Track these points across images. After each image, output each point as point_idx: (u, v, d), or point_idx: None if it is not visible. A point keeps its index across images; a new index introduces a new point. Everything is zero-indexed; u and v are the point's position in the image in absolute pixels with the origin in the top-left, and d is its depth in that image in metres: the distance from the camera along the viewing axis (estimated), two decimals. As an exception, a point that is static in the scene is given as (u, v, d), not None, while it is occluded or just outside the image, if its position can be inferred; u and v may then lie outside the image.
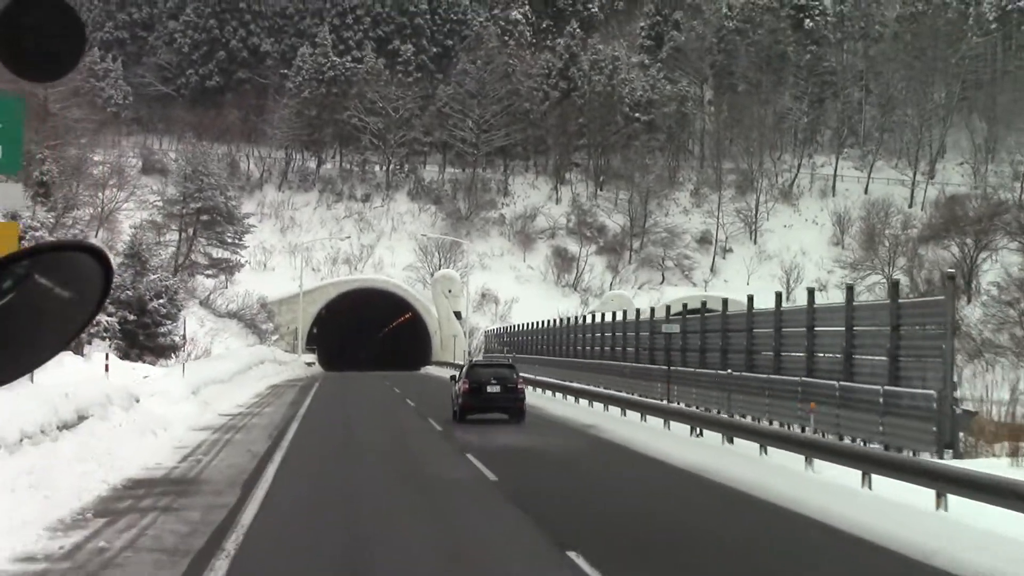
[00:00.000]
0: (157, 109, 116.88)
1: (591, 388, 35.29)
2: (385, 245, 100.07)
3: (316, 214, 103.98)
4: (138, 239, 49.91)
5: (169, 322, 45.56)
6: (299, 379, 58.38)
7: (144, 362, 44.36)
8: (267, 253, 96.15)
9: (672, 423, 24.66)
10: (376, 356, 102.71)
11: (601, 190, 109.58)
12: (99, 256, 2.13)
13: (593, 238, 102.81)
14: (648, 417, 26.51)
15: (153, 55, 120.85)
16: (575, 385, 36.85)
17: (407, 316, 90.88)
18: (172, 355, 46.79)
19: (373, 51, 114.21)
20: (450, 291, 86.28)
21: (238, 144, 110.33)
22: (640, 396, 34.52)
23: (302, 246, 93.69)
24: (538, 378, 43.69)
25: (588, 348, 50.72)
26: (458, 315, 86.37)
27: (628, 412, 28.56)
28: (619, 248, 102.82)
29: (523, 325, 74.41)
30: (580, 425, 27.51)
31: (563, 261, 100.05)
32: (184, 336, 44.79)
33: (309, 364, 75.74)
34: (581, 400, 33.98)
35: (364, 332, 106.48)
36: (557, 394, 38.46)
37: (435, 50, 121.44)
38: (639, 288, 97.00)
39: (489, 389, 27.92)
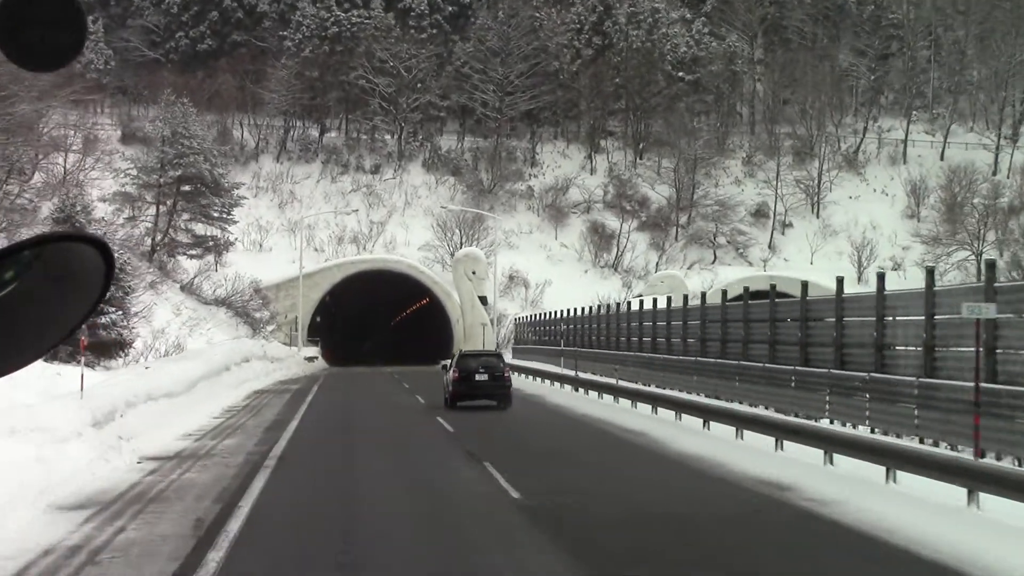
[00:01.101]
0: (143, 76, 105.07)
1: (758, 413, 23.07)
2: (397, 222, 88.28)
3: (319, 188, 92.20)
4: (71, 199, 38.18)
5: (113, 310, 33.84)
6: (295, 380, 46.86)
7: (80, 363, 32.66)
8: (263, 231, 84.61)
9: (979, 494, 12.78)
10: (388, 348, 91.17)
11: (641, 158, 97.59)
12: (102, 248, 2.12)
13: (634, 212, 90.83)
14: (889, 470, 14.66)
15: (139, 17, 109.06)
16: (710, 403, 24.92)
17: (424, 302, 79.18)
18: (121, 353, 35.14)
19: (382, 9, 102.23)
20: (474, 272, 74.43)
21: (233, 115, 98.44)
22: (782, 414, 22.97)
23: (303, 223, 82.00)
24: (620, 384, 31.73)
25: (675, 341, 38.86)
26: (484, 300, 74.63)
27: (833, 456, 16.71)
28: (664, 223, 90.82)
29: (563, 312, 62.63)
30: (756, 481, 15.72)
31: (601, 238, 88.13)
32: (116, 329, 33.04)
33: (310, 359, 64.19)
34: (711, 425, 22.05)
35: (374, 320, 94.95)
36: (653, 408, 26.59)
37: (451, 9, 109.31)
38: (688, 268, 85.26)
39: (478, 377, 29.38)
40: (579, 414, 27.53)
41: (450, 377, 30.08)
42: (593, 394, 33.30)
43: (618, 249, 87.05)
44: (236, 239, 72.95)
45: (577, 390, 35.16)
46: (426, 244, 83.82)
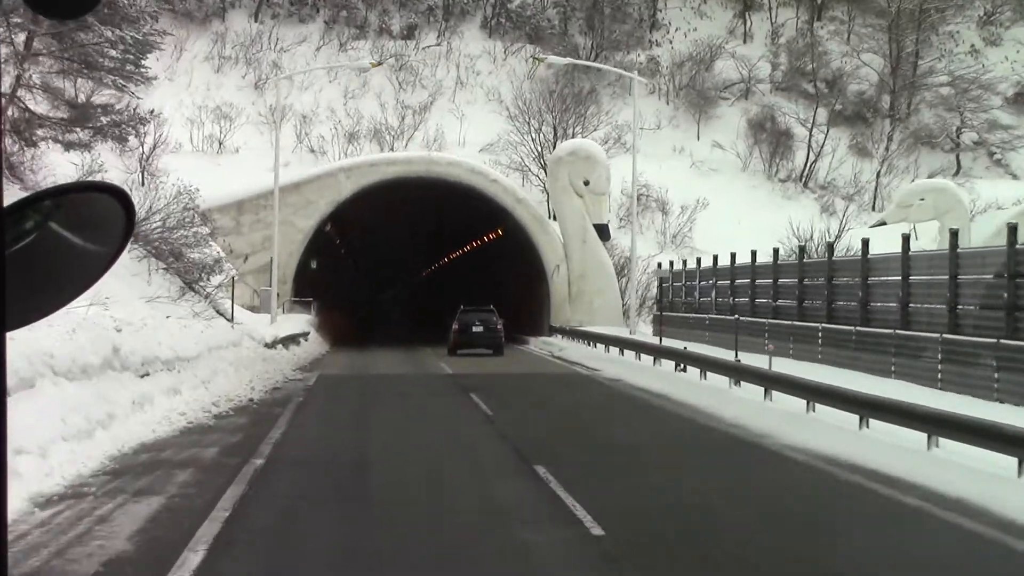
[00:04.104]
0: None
1: None
2: (445, 108, 57.54)
3: (319, 58, 61.20)
4: None
5: None
6: (213, 425, 16.26)
7: None
8: (226, 123, 54.17)
9: None
10: (429, 310, 61.23)
11: (819, 18, 65.94)
12: (122, 198, 2.17)
13: (821, 97, 59.53)
14: None
15: None
16: None
17: (495, 234, 48.32)
18: None
19: None
20: (587, 183, 43.52)
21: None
22: None
23: (291, 109, 51.90)
24: None
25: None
26: (603, 231, 43.90)
27: None
28: (869, 114, 59.56)
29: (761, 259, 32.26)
30: None
31: (773, 138, 57.09)
32: None
33: (286, 341, 34.11)
34: None
35: (408, 264, 64.58)
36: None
37: None
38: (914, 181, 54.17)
39: (474, 329, 36.34)
40: None
41: (453, 328, 36.58)
42: None
43: (809, 155, 55.82)
44: (158, 115, 42.79)
45: None
46: (492, 144, 53.15)
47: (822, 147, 55.47)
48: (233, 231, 43.22)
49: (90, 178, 38.50)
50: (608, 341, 33.06)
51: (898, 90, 59.07)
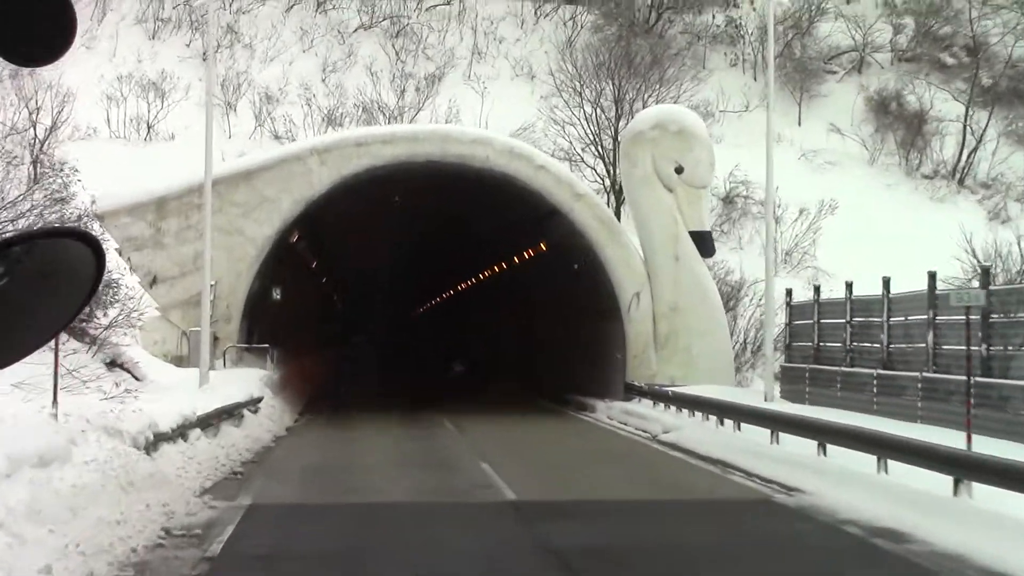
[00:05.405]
0: None
1: None
2: (459, 84, 43.98)
3: (289, 21, 47.54)
4: None
5: None
6: None
7: None
8: (157, 98, 40.53)
9: None
10: (442, 354, 48.23)
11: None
12: (92, 244, 2.18)
13: (963, 69, 46.07)
14: None
15: None
16: None
17: (532, 250, 34.23)
18: None
19: None
20: (680, 170, 29.62)
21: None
22: None
23: (251, 83, 38.58)
24: None
25: None
26: (704, 242, 30.00)
27: None
28: (1030, 91, 46.06)
29: None
30: None
31: (903, 123, 43.55)
32: None
33: (228, 414, 20.53)
34: None
35: (411, 291, 51.51)
36: None
37: None
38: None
39: (456, 368, 47.02)
40: None
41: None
42: None
43: (965, 141, 42.08)
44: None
45: None
46: (527, 127, 39.47)
47: (983, 133, 41.72)
48: (151, 243, 29.45)
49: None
50: (803, 429, 18.34)
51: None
